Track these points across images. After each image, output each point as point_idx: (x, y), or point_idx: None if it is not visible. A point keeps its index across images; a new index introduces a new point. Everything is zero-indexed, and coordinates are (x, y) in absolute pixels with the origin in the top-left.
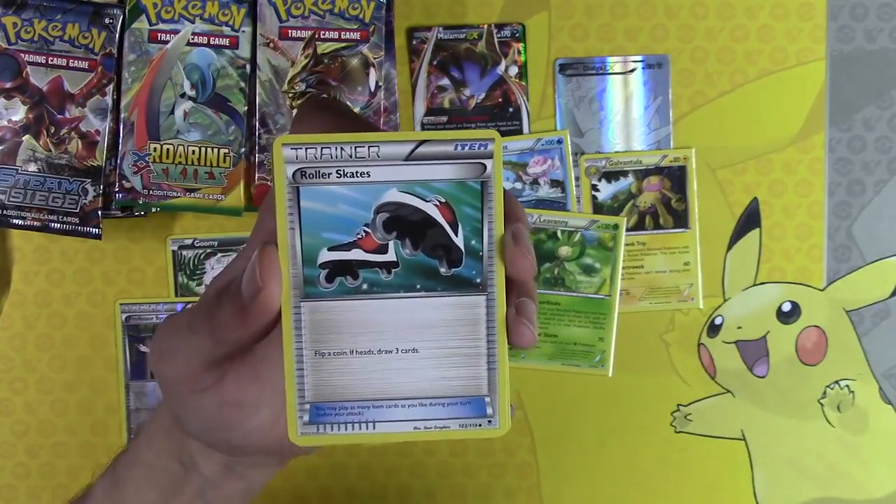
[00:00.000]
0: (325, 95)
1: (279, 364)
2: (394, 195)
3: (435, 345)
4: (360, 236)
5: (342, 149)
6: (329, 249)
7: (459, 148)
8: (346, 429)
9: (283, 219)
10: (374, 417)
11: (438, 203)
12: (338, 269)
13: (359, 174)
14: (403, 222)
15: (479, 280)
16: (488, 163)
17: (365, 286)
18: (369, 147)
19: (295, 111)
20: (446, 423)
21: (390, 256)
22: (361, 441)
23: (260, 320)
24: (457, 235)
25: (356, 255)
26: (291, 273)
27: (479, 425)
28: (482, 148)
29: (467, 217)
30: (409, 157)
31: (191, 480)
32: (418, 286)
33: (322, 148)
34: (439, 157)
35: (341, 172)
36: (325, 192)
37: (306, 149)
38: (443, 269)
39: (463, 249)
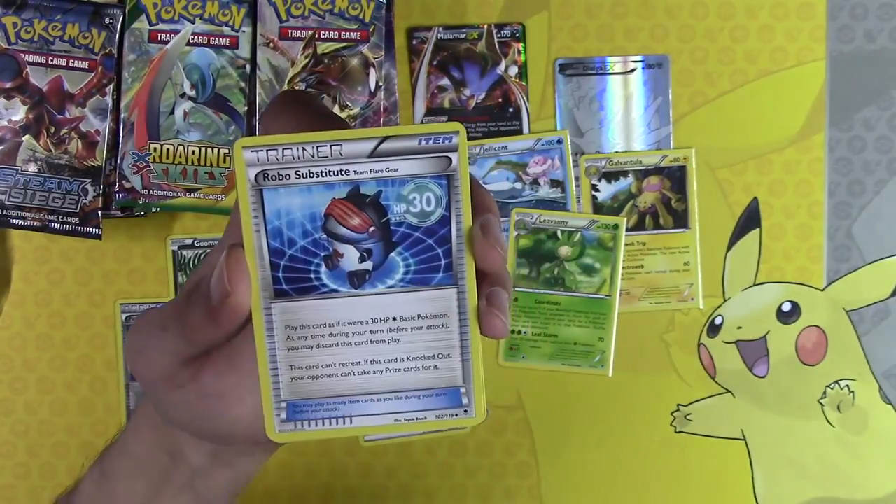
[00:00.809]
0: (295, 89)
1: (255, 355)
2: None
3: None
4: None
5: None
6: None
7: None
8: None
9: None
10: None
11: None
12: None
13: (322, 173)
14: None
15: None
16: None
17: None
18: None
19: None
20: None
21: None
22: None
23: (230, 323)
24: None
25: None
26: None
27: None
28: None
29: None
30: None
31: (179, 470)
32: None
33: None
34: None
35: (304, 172)
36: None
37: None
38: None
39: None
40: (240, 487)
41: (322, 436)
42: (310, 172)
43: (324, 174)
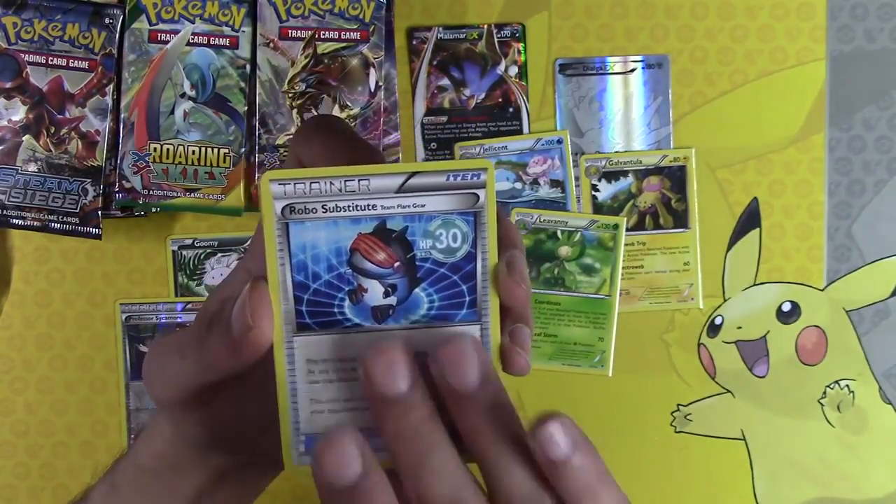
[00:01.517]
0: (326, 115)
1: (273, 379)
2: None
3: None
4: None
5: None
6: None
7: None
8: None
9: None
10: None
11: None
12: None
13: (349, 208)
14: None
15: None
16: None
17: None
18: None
19: (294, 113)
20: None
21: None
22: None
23: (251, 356)
24: None
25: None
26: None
27: None
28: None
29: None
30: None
31: (187, 486)
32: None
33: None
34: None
35: (331, 207)
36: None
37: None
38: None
39: None
40: (248, 501)
41: None
42: (337, 207)
43: (351, 209)
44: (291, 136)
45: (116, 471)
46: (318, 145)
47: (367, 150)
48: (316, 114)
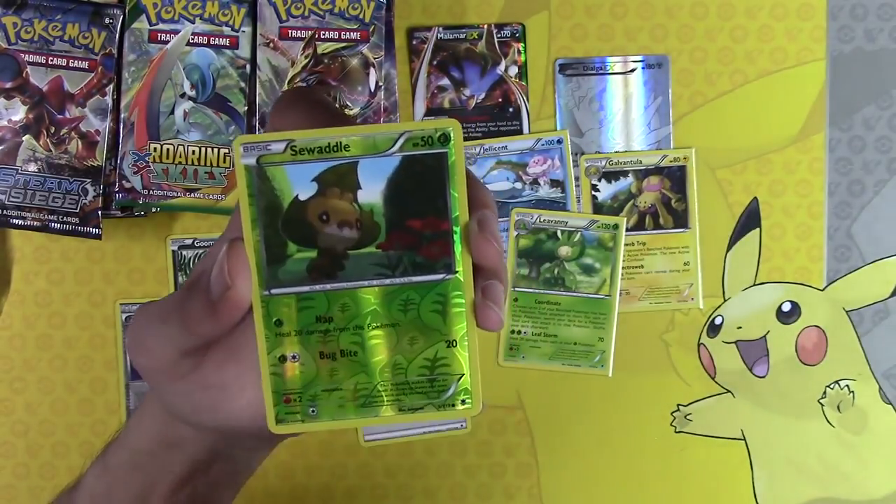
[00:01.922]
0: (302, 85)
1: (254, 341)
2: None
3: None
4: None
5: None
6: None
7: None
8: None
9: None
10: None
11: None
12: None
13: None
14: None
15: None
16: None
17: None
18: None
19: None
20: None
21: None
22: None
23: (231, 316)
24: None
25: None
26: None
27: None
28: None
29: None
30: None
31: (178, 464)
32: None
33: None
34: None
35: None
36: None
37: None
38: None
39: None
40: (239, 482)
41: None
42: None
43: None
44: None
45: (108, 452)
46: (296, 116)
47: (343, 119)
48: (293, 86)
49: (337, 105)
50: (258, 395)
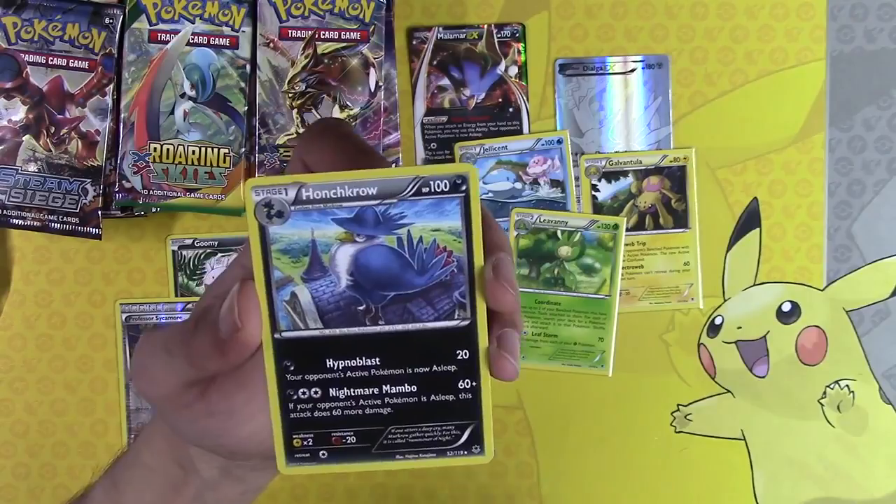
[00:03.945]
0: (333, 118)
1: (262, 373)
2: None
3: None
4: None
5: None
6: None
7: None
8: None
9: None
10: None
11: None
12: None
13: (331, 211)
14: None
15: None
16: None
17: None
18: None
19: (294, 113)
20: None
21: None
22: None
23: (238, 356)
24: None
25: None
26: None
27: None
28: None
29: None
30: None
31: (189, 483)
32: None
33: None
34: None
35: (309, 210)
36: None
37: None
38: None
39: None
40: (249, 500)
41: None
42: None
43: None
44: (293, 137)
45: (117, 469)
46: (324, 148)
47: (374, 155)
48: (320, 117)
49: (335, 107)
50: (265, 422)
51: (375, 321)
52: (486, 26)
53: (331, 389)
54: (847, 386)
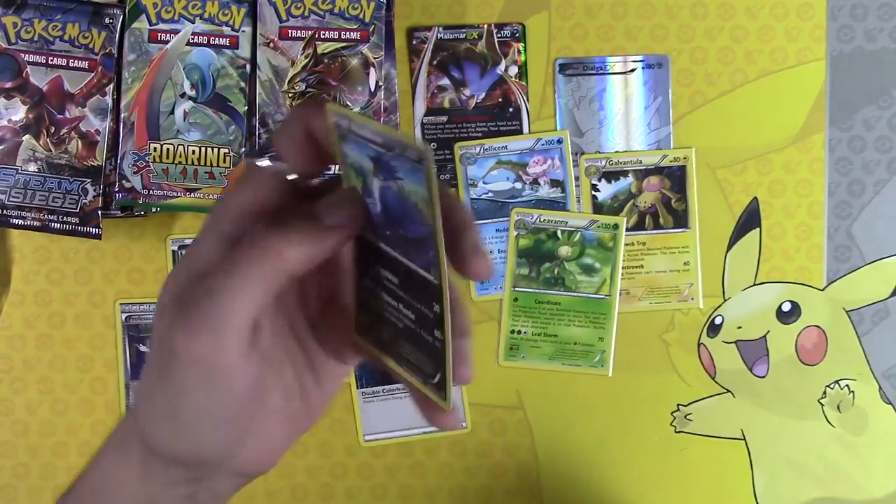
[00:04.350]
0: (324, 96)
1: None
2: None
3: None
4: None
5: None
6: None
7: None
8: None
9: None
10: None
11: None
12: None
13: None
14: None
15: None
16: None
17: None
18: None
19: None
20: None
21: None
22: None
23: (331, 248)
24: None
25: None
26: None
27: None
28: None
29: None
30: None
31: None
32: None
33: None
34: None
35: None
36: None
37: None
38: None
39: None
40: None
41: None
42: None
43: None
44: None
45: (78, 487)
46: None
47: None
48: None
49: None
50: (230, 431)
51: (395, 249)
52: (486, 26)
53: (377, 288)
54: (847, 386)
